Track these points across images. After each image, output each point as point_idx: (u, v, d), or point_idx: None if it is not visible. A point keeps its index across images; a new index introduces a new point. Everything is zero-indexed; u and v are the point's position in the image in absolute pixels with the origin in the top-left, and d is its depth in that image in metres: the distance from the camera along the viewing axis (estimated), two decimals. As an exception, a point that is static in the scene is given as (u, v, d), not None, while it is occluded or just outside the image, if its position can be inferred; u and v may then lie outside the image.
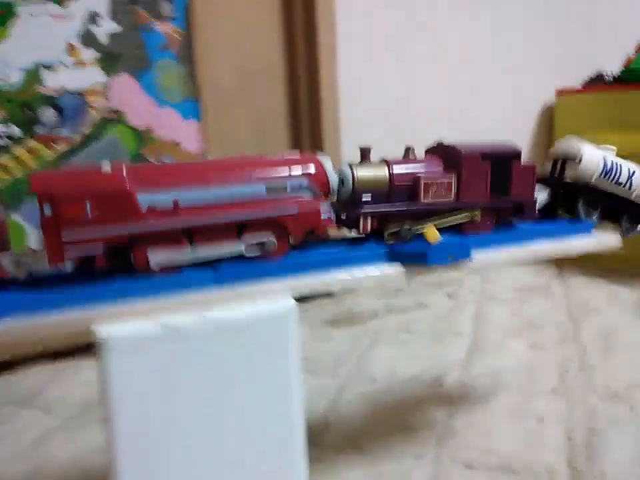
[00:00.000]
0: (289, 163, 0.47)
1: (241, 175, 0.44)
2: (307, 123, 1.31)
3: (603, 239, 0.57)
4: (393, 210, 0.50)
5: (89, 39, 1.03)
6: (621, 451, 0.70)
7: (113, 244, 0.41)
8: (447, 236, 0.50)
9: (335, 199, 0.50)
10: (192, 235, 0.44)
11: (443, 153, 0.54)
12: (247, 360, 0.44)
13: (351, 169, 0.50)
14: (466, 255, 0.49)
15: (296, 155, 0.49)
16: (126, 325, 0.41)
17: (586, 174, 0.59)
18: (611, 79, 1.44)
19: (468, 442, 0.73)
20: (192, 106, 1.14)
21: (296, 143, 1.33)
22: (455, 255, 0.49)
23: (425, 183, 0.50)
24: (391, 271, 0.48)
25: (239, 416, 0.45)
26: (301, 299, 0.45)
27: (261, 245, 0.46)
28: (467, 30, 1.51)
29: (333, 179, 0.48)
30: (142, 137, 1.10)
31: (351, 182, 0.49)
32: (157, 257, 0.43)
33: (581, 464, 0.68)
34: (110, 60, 1.06)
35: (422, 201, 0.51)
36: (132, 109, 1.09)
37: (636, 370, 0.90)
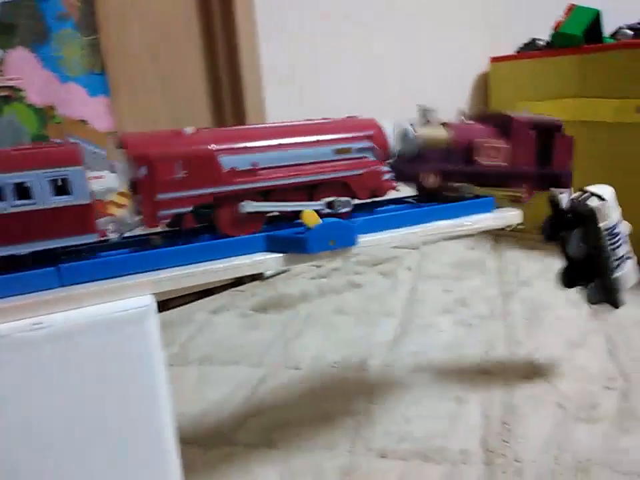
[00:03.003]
0: (352, 125, 0.50)
1: (311, 138, 0.47)
2: (227, 92, 1.22)
3: (502, 215, 0.54)
4: (453, 168, 0.54)
5: (-23, 9, 0.92)
6: (536, 431, 0.68)
7: (199, 204, 0.43)
8: (328, 219, 0.45)
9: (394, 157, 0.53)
10: (267, 198, 0.46)
11: (491, 120, 0.57)
12: (96, 367, 0.39)
13: (414, 128, 0.53)
14: (350, 240, 0.45)
15: (356, 119, 0.51)
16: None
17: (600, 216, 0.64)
18: (544, 45, 1.42)
19: (385, 429, 0.70)
20: (99, 80, 1.05)
21: (217, 113, 1.24)
22: (338, 240, 0.44)
23: (480, 145, 0.54)
24: (268, 259, 0.44)
25: (93, 430, 0.39)
26: (231, 285, 0.42)
27: (330, 204, 0.48)
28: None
29: (392, 141, 0.51)
30: (43, 115, 1.00)
31: (414, 140, 0.53)
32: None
33: (495, 446, 0.66)
34: (3, 32, 0.95)
35: (478, 162, 0.54)
36: (31, 86, 0.99)
37: (560, 345, 0.90)
